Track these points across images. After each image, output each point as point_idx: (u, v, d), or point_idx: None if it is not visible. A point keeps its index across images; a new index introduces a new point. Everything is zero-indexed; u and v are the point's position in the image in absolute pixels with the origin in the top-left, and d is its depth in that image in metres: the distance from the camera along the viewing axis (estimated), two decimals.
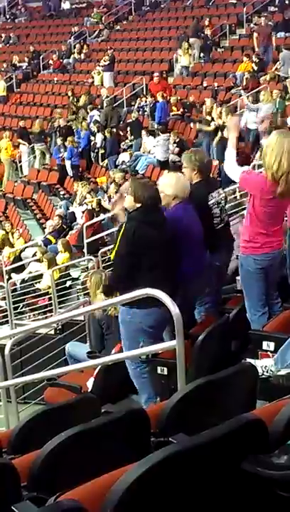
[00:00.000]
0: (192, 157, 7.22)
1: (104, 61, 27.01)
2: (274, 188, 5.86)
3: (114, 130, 22.53)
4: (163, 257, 6.38)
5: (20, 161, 25.62)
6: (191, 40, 26.08)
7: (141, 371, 6.47)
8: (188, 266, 6.68)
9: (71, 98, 26.06)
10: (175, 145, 20.49)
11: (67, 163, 22.63)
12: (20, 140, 25.53)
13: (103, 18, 32.70)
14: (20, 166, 25.50)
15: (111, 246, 6.63)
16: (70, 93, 26.63)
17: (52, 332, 11.40)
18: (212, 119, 19.91)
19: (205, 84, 24.17)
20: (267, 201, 5.97)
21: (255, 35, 23.75)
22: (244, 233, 6.24)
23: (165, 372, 6.08)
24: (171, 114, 22.68)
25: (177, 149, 20.43)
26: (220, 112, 19.56)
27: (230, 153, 6.43)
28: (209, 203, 7.15)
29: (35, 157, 25.17)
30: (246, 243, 6.20)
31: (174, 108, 22.80)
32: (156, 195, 6.54)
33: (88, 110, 24.68)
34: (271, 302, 6.45)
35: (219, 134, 18.87)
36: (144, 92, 24.95)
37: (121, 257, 6.49)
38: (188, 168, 7.18)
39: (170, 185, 6.79)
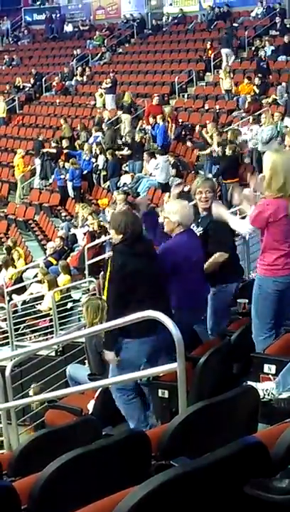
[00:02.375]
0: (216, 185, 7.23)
1: (106, 83, 27.12)
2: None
3: (116, 152, 22.57)
4: (154, 286, 6.36)
5: (23, 182, 25.61)
6: (223, 50, 26.63)
7: (128, 398, 6.43)
8: (185, 295, 6.68)
9: (64, 127, 26.06)
10: (171, 167, 20.54)
11: (69, 185, 22.70)
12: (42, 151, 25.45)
13: (105, 41, 32.86)
14: (22, 187, 25.51)
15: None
16: (62, 121, 26.59)
17: (53, 354, 11.39)
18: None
19: (206, 107, 24.27)
20: (282, 221, 5.99)
21: None
22: (263, 255, 6.22)
23: (166, 395, 6.06)
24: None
25: (174, 171, 20.50)
26: (219, 134, 19.69)
27: (232, 220, 6.49)
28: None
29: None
30: (266, 266, 6.16)
31: (169, 132, 22.82)
32: (137, 224, 6.52)
33: (92, 131, 24.76)
34: (282, 323, 6.41)
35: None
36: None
37: (114, 293, 6.47)
38: (212, 194, 7.19)
39: (175, 212, 6.83)
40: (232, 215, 6.62)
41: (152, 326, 5.62)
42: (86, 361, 8.56)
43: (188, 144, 22.02)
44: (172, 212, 6.86)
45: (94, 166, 22.95)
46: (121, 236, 6.38)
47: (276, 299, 6.20)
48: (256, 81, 23.01)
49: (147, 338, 6.13)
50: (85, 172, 22.75)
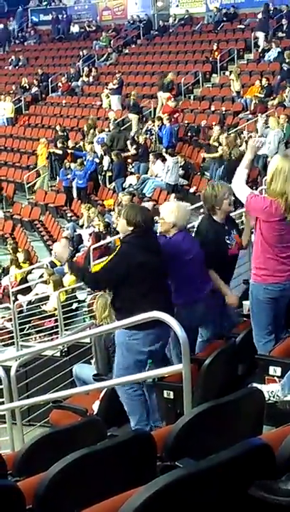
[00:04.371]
0: None
1: (113, 84, 27.12)
2: (285, 213, 5.90)
3: (121, 153, 22.56)
4: (158, 281, 6.39)
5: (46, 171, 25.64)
6: (258, 33, 26.92)
7: (133, 393, 6.45)
8: (186, 293, 6.69)
9: (60, 132, 26.04)
10: (180, 168, 20.55)
11: (74, 186, 22.75)
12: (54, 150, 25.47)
13: (111, 42, 32.87)
14: (28, 187, 25.54)
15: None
16: (58, 128, 26.53)
17: (58, 354, 11.39)
18: (219, 144, 19.96)
19: (212, 109, 24.26)
20: (274, 224, 5.97)
21: None
22: (255, 260, 6.22)
23: (172, 396, 6.06)
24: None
25: (182, 172, 20.52)
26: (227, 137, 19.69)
27: (241, 172, 6.37)
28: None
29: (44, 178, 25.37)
30: (258, 271, 6.16)
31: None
32: (149, 219, 6.57)
33: (96, 132, 24.78)
34: (279, 330, 6.40)
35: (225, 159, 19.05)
36: (152, 116, 25.04)
37: (108, 270, 6.49)
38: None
39: (170, 213, 6.84)
40: (244, 169, 6.45)
41: (154, 320, 5.65)
42: (92, 361, 8.58)
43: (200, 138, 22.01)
44: (168, 213, 6.88)
45: (99, 166, 22.96)
46: (131, 228, 6.42)
47: (269, 306, 6.19)
48: (263, 82, 23.00)
49: (152, 329, 6.16)
50: (89, 172, 22.77)
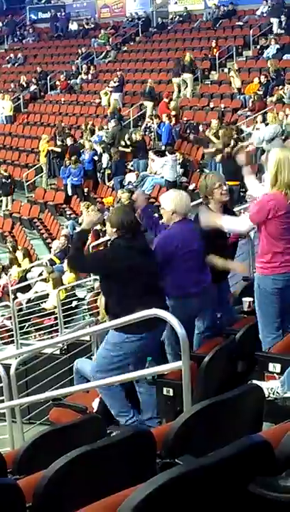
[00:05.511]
0: None
1: (114, 82, 27.12)
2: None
3: (120, 150, 22.54)
4: (150, 282, 6.38)
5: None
6: (272, 19, 26.94)
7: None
8: (183, 286, 6.68)
9: (58, 129, 26.04)
10: (179, 166, 20.54)
11: (68, 183, 22.75)
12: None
13: (110, 39, 32.85)
14: (28, 185, 25.53)
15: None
16: (62, 125, 26.56)
17: (58, 352, 11.38)
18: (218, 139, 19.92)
19: (211, 106, 24.24)
20: (280, 218, 5.97)
21: None
22: (261, 254, 6.21)
23: (171, 394, 6.06)
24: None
25: (181, 170, 20.49)
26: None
27: (227, 221, 6.52)
28: None
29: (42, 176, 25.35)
30: (264, 264, 6.15)
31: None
32: (134, 220, 6.56)
33: (96, 130, 24.77)
34: (287, 324, 6.38)
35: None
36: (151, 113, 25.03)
37: (95, 259, 6.68)
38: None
39: (169, 201, 6.83)
40: (224, 216, 6.60)
41: (150, 323, 5.65)
42: (93, 357, 8.56)
43: (191, 137, 22.02)
44: (167, 201, 6.87)
45: (98, 164, 22.94)
46: (115, 230, 6.42)
47: (277, 298, 6.17)
48: (262, 79, 22.98)
49: (146, 334, 6.17)
50: (84, 170, 22.74)
